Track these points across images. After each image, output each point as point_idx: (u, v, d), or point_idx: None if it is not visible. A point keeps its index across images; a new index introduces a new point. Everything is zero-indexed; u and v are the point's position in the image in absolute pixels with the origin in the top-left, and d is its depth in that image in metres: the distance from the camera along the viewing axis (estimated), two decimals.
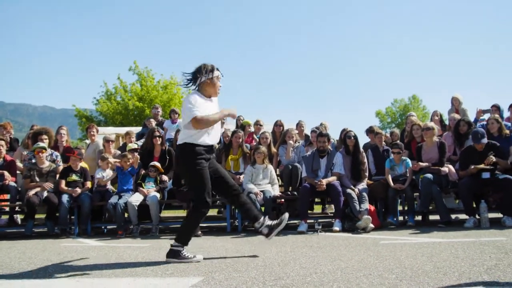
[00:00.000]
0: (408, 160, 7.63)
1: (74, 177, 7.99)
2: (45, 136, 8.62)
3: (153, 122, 10.88)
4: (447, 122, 9.62)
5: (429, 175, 7.13)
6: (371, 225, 6.70)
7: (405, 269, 3.43)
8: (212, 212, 10.45)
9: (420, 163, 7.44)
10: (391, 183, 7.39)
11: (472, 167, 6.82)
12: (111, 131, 12.86)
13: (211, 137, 4.60)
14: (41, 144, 8.19)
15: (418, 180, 7.34)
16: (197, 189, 4.50)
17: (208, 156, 4.56)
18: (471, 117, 9.59)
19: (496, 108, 9.62)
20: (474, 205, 7.04)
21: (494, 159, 6.76)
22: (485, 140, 6.92)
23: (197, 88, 4.63)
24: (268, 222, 4.73)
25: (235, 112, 4.74)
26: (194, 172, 4.46)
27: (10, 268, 4.32)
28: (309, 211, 8.04)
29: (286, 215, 4.84)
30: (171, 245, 4.49)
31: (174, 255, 4.43)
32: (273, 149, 8.68)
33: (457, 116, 8.84)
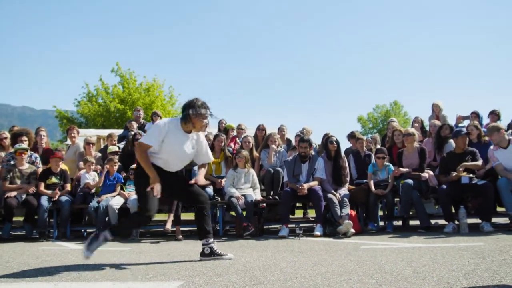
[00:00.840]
0: (391, 166, 7.70)
1: (53, 179, 7.92)
2: (25, 138, 8.51)
3: (135, 125, 10.80)
4: (427, 128, 9.73)
5: (410, 181, 7.20)
6: (352, 230, 6.73)
7: (385, 274, 3.45)
8: (193, 216, 10.41)
9: (401, 169, 7.51)
10: (373, 189, 7.44)
11: (454, 174, 6.91)
12: (92, 133, 12.74)
13: (168, 166, 4.64)
14: (23, 145, 8.09)
15: (398, 186, 7.41)
16: (142, 203, 4.63)
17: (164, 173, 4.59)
18: (451, 123, 9.73)
19: (476, 115, 9.77)
20: (454, 211, 7.13)
21: (465, 164, 6.88)
22: (464, 131, 7.24)
23: (183, 119, 4.58)
24: (214, 246, 4.74)
25: (156, 190, 4.46)
26: (141, 189, 4.54)
27: None
28: (290, 216, 8.07)
29: (231, 256, 4.76)
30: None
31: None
32: (255, 153, 8.70)
33: (437, 123, 8.96)
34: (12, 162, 8.05)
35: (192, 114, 4.50)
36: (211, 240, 4.76)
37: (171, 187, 4.72)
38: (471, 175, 6.90)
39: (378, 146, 9.05)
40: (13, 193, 7.56)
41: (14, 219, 8.20)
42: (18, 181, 7.82)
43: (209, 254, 4.68)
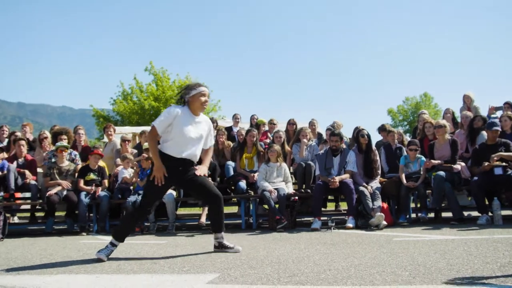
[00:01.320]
0: (423, 158, 7.58)
1: (92, 175, 8.07)
2: (64, 136, 8.74)
3: None
4: (459, 120, 9.52)
5: (442, 173, 7.07)
6: (384, 222, 6.65)
7: (418, 266, 3.41)
8: (227, 209, 10.47)
9: (433, 161, 7.38)
10: (404, 181, 7.34)
11: (486, 164, 6.76)
12: (127, 130, 12.95)
13: (182, 151, 4.59)
14: (64, 143, 8.29)
15: (430, 178, 7.29)
16: (145, 195, 4.70)
17: (175, 168, 4.58)
18: (483, 114, 9.51)
19: (509, 106, 9.50)
20: (487, 202, 6.97)
21: (499, 154, 6.72)
22: (498, 128, 7.03)
23: (186, 106, 4.68)
24: (225, 242, 4.80)
25: (159, 177, 4.48)
26: (149, 180, 4.60)
27: (31, 264, 4.37)
28: (322, 209, 8.02)
29: (239, 248, 4.79)
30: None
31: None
32: (287, 148, 8.68)
33: (469, 114, 8.76)
34: (53, 160, 8.26)
35: (189, 96, 4.62)
36: (220, 234, 4.81)
37: (183, 184, 4.80)
38: (504, 164, 6.74)
39: (406, 140, 8.91)
40: (55, 190, 7.75)
41: (56, 214, 8.41)
42: (59, 178, 8.01)
43: (218, 247, 4.78)
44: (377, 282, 2.94)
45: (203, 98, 4.63)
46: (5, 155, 8.81)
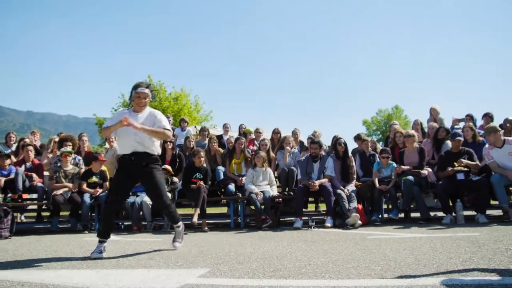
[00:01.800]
0: (394, 164, 7.64)
1: (94, 178, 8.01)
2: (69, 142, 8.67)
3: None
4: (426, 130, 9.63)
5: (411, 177, 7.14)
6: (359, 222, 6.68)
7: (389, 262, 3.42)
8: (218, 210, 10.43)
9: (403, 166, 7.45)
10: (377, 185, 7.40)
11: (449, 169, 6.85)
12: None
13: (129, 147, 4.59)
14: (68, 148, 8.24)
15: (401, 182, 7.35)
16: (109, 189, 4.86)
17: (129, 161, 4.57)
18: (448, 125, 9.63)
19: (470, 118, 9.65)
20: (451, 204, 7.03)
21: (465, 161, 6.82)
22: (461, 138, 7.11)
23: (130, 104, 4.73)
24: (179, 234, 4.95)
25: (126, 121, 4.33)
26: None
27: (38, 260, 4.31)
28: (303, 209, 8.05)
29: (177, 246, 4.87)
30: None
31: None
32: (272, 154, 8.71)
33: (435, 125, 8.87)
34: (58, 164, 8.18)
35: (131, 96, 4.66)
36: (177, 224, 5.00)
37: (140, 176, 4.67)
38: (466, 169, 6.82)
39: (379, 147, 8.98)
40: (60, 191, 7.68)
41: (61, 214, 8.32)
42: (64, 181, 7.94)
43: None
44: (352, 276, 2.95)
45: (137, 99, 4.59)
46: (13, 159, 8.73)
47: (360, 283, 2.71)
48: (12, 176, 8.03)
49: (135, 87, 4.63)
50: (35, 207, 8.92)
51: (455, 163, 6.88)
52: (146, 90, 4.63)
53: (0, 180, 7.89)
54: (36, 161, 8.61)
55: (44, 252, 4.91)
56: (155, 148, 4.72)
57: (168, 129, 4.67)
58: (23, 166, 8.32)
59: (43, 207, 8.70)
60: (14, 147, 9.66)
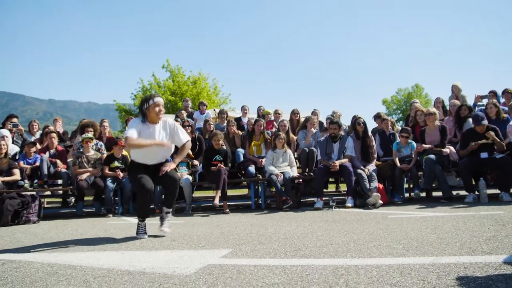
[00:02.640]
0: (413, 143, 7.55)
1: (116, 163, 8.12)
2: (90, 129, 8.80)
3: (184, 114, 10.96)
4: (448, 108, 9.45)
5: (432, 156, 7.04)
6: (380, 201, 6.66)
7: (411, 240, 3.40)
8: (239, 192, 10.50)
9: (424, 145, 7.34)
10: (398, 164, 7.32)
11: (473, 143, 6.69)
12: None
13: (145, 158, 4.64)
14: (88, 135, 8.36)
15: (422, 161, 7.26)
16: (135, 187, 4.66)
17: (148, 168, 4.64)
18: (470, 102, 9.44)
19: (493, 94, 9.42)
20: (474, 182, 6.93)
21: (492, 133, 6.63)
22: (485, 122, 6.81)
23: (144, 116, 4.57)
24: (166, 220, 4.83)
25: (163, 144, 4.52)
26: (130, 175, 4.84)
27: (64, 243, 4.42)
28: (324, 190, 8.03)
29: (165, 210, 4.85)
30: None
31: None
32: (291, 135, 8.68)
33: (457, 102, 8.68)
34: (80, 150, 8.32)
35: (146, 108, 4.51)
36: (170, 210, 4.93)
37: (156, 179, 4.72)
38: (490, 141, 6.63)
39: (397, 128, 8.87)
40: (84, 176, 7.82)
41: (85, 198, 8.48)
42: (86, 166, 8.06)
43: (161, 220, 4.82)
44: (374, 254, 2.95)
45: (157, 108, 4.52)
46: (38, 146, 8.91)
47: (382, 261, 2.71)
48: (37, 163, 8.22)
49: (150, 98, 4.56)
50: (60, 192, 9.13)
51: (483, 140, 6.70)
52: (162, 100, 4.63)
53: (26, 168, 8.12)
54: (60, 148, 8.78)
55: (71, 235, 5.03)
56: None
57: (188, 140, 4.76)
58: (47, 153, 8.49)
59: (68, 192, 8.89)
60: (37, 135, 9.85)
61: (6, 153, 7.89)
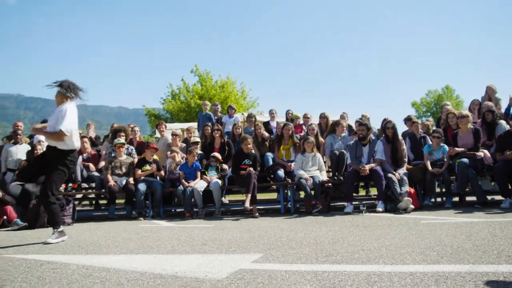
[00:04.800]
0: (446, 146, 7.40)
1: (147, 167, 8.23)
2: (122, 133, 8.95)
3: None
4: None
5: (465, 160, 6.87)
6: (412, 206, 6.54)
7: (445, 247, 3.32)
8: (268, 196, 10.49)
9: (456, 148, 7.18)
10: (429, 167, 7.18)
11: (508, 152, 6.52)
12: (176, 126, 13.10)
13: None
14: (121, 140, 8.51)
15: (454, 164, 7.09)
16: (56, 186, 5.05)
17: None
18: (505, 105, 9.19)
19: None
20: (510, 187, 6.73)
21: None
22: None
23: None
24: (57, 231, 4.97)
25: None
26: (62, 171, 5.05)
27: (98, 245, 4.50)
28: (354, 194, 7.95)
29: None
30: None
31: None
32: (320, 139, 8.63)
33: (490, 104, 8.47)
34: (112, 154, 8.47)
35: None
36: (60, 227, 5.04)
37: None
38: None
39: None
40: (112, 181, 7.97)
41: (117, 201, 8.63)
42: (119, 170, 8.20)
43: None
44: (407, 261, 2.89)
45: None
46: None
47: (416, 268, 2.65)
48: None
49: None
50: (93, 195, 9.33)
51: None
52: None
53: None
54: (92, 152, 8.97)
55: (104, 238, 5.12)
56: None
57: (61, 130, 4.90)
58: (80, 157, 8.68)
59: (100, 195, 9.08)
60: None
61: None
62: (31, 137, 9.61)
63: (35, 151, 7.98)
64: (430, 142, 7.64)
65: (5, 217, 7.05)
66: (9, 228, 6.87)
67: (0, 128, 9.84)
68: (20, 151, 8.64)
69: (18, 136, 8.90)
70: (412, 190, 7.02)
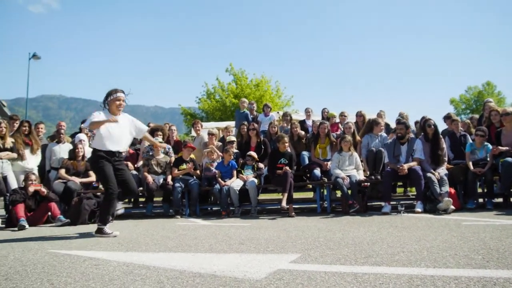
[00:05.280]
0: (489, 145, 7.14)
1: (184, 166, 8.33)
2: (159, 133, 9.09)
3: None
4: None
5: (510, 159, 6.62)
6: (452, 207, 6.36)
7: (490, 250, 3.20)
8: (304, 195, 10.44)
9: (500, 147, 6.93)
10: (471, 167, 6.96)
11: None
12: (212, 125, 13.20)
13: (110, 144, 5.24)
14: (159, 138, 8.64)
15: (498, 164, 6.85)
16: (103, 183, 5.39)
17: (109, 158, 5.23)
18: None
19: None
20: None
21: None
22: None
23: (106, 107, 5.34)
24: (105, 228, 5.29)
25: (116, 120, 5.15)
26: (96, 169, 5.35)
27: (137, 243, 4.58)
28: (392, 194, 7.79)
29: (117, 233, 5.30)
30: (98, 225, 5.37)
31: (99, 232, 5.29)
32: (357, 137, 8.51)
33: None
34: (150, 153, 8.61)
35: (108, 101, 5.30)
36: (107, 224, 5.39)
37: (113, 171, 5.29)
38: None
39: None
40: (151, 179, 8.10)
41: (154, 199, 8.77)
42: (156, 169, 8.34)
43: (99, 231, 5.29)
44: (450, 265, 2.80)
45: (117, 102, 5.28)
46: None
47: (460, 273, 2.56)
48: None
49: (113, 93, 5.31)
50: None
51: None
52: (123, 95, 5.37)
53: None
54: (131, 151, 9.15)
55: (142, 235, 5.20)
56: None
57: (147, 128, 5.75)
58: None
59: (138, 193, 9.24)
60: None
61: (83, 156, 8.34)
62: (72, 136, 9.90)
63: (77, 150, 8.23)
64: (471, 141, 7.41)
65: (49, 213, 7.29)
66: (53, 224, 7.09)
67: (46, 127, 10.16)
68: (63, 150, 8.91)
69: (61, 136, 9.19)
70: (453, 191, 6.82)
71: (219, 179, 7.97)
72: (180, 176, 8.23)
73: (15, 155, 7.87)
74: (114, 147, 5.28)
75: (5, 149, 7.74)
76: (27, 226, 6.60)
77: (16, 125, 8.75)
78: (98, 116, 5.12)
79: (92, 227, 5.85)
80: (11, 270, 3.22)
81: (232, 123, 12.05)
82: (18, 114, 10.13)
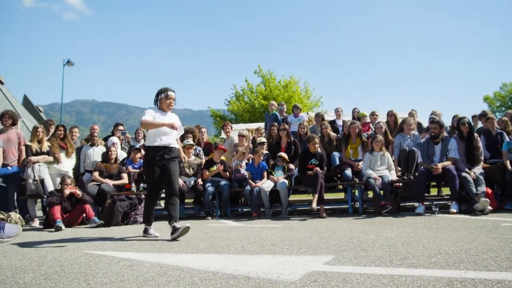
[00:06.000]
0: None
1: (215, 167, 8.36)
2: (190, 135, 9.17)
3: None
4: None
5: None
6: (489, 208, 6.16)
7: None
8: (335, 195, 10.33)
9: None
10: (509, 166, 6.74)
11: None
12: (241, 127, 13.23)
13: (157, 140, 5.21)
14: (189, 141, 8.73)
15: None
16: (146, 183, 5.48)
17: (158, 157, 5.17)
18: None
19: None
20: None
21: None
22: None
23: (156, 105, 5.36)
24: (177, 225, 5.12)
25: (172, 125, 5.17)
26: (145, 169, 5.56)
27: (169, 244, 4.61)
28: (425, 194, 7.62)
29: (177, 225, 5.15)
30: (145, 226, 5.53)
31: (144, 232, 5.49)
32: (389, 137, 8.37)
33: None
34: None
35: (160, 98, 5.31)
36: (176, 221, 5.21)
37: (161, 167, 5.23)
38: None
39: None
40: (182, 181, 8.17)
41: (186, 201, 8.84)
42: (187, 171, 8.41)
43: (174, 231, 5.10)
44: (491, 267, 2.70)
45: (168, 101, 5.31)
46: (143, 152, 9.48)
47: (503, 276, 2.46)
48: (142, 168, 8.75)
49: (164, 91, 5.33)
50: (163, 195, 9.60)
51: None
52: (174, 94, 5.39)
53: (134, 173, 8.70)
54: None
55: None
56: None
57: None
58: None
59: None
60: (142, 142, 10.49)
61: (116, 159, 8.50)
62: (105, 139, 10.09)
63: (110, 153, 8.39)
64: (508, 139, 7.18)
65: (84, 215, 7.44)
66: (88, 226, 7.24)
67: (79, 131, 10.42)
68: (96, 153, 9.10)
69: (95, 139, 9.38)
70: (490, 191, 6.62)
71: (250, 181, 7.98)
72: (211, 178, 8.27)
73: (51, 158, 8.11)
74: (165, 141, 5.31)
75: (42, 153, 7.98)
76: (63, 227, 6.77)
77: (52, 129, 9.00)
78: (150, 114, 5.19)
79: (125, 229, 5.93)
80: (50, 270, 3.29)
81: (262, 124, 12.05)
82: (53, 119, 10.41)
